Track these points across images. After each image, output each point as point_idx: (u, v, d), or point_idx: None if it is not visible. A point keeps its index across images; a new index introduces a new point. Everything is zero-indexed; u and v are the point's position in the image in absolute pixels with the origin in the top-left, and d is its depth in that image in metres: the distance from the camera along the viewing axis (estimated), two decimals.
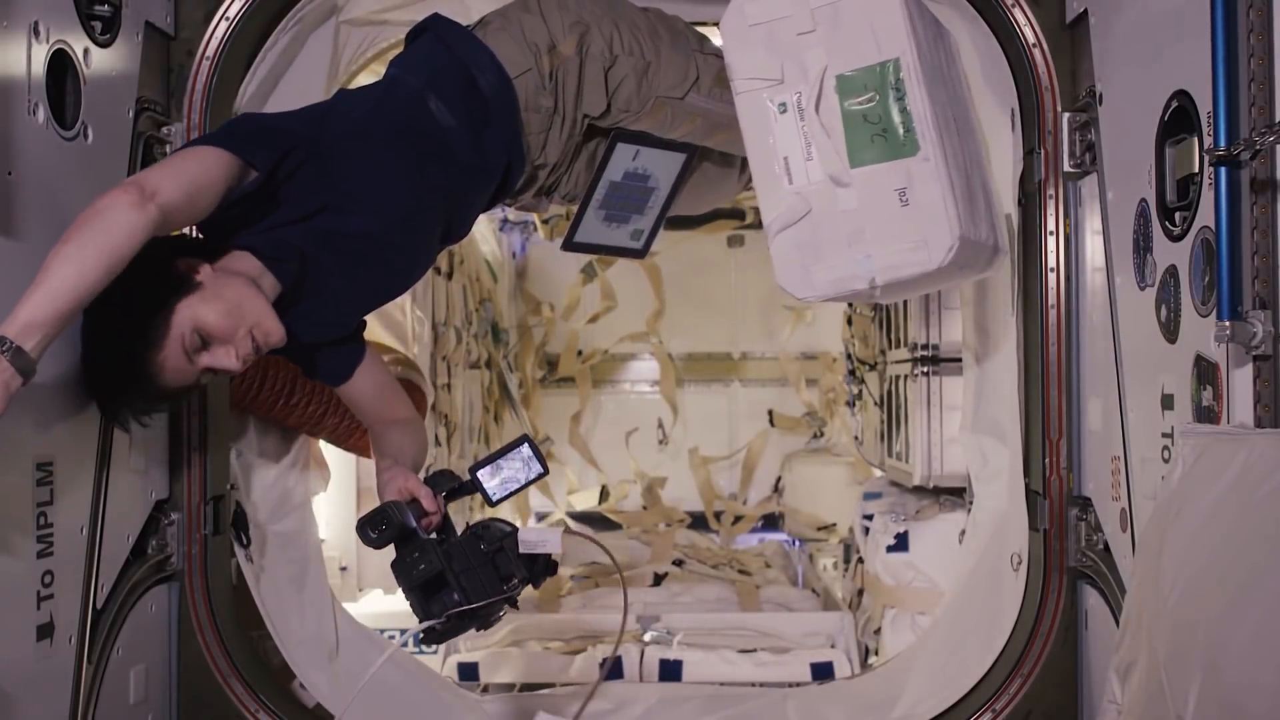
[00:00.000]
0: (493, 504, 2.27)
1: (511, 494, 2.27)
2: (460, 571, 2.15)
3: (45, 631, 2.12)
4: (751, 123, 2.38)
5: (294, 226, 2.17)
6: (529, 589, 2.26)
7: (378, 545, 2.16)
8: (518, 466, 2.25)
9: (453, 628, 2.17)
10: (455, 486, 2.29)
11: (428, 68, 2.36)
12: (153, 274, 2.02)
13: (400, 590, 2.19)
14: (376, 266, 2.31)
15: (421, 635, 2.18)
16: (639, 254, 3.00)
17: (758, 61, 2.36)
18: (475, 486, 2.26)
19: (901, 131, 2.28)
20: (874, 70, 2.29)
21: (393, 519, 2.15)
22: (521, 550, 2.18)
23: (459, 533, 2.24)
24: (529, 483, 2.28)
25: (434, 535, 2.23)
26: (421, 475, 2.33)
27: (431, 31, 2.43)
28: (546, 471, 2.30)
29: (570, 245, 2.89)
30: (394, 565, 2.16)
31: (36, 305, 1.79)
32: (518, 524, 2.32)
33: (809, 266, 2.33)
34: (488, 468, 2.25)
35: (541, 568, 2.22)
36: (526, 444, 2.26)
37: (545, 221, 5.81)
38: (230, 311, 2.06)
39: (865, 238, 2.29)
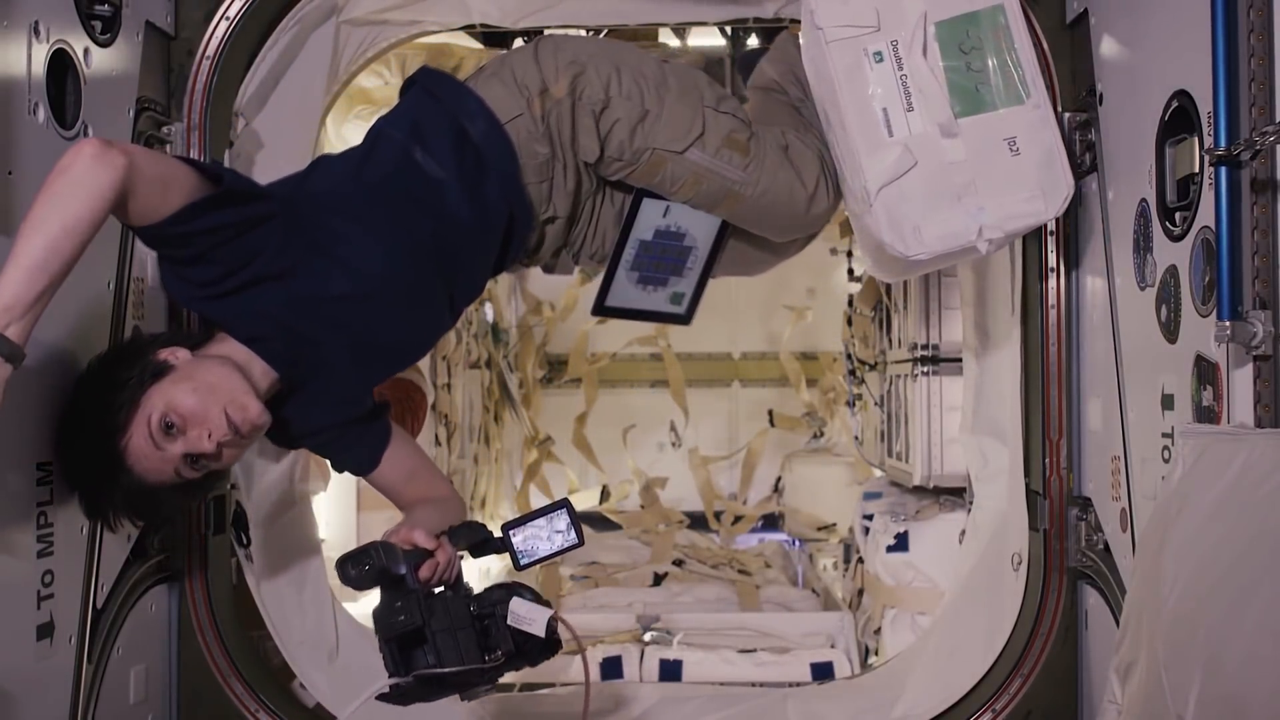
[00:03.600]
0: (519, 567, 2.12)
1: (540, 560, 2.13)
2: (438, 631, 1.97)
3: (45, 631, 2.12)
4: (845, 74, 2.29)
5: (269, 292, 2.06)
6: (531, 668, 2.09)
7: (356, 586, 2.01)
8: (552, 531, 2.12)
9: (420, 692, 1.99)
10: (481, 540, 2.14)
11: (410, 119, 2.27)
12: (128, 367, 2.01)
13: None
14: (369, 331, 2.20)
15: (386, 691, 1.98)
16: (683, 320, 2.71)
17: (850, 8, 2.28)
18: (504, 545, 2.11)
19: (1009, 79, 2.25)
20: (977, 17, 2.26)
21: (375, 560, 1.98)
22: (509, 621, 2.01)
23: (474, 593, 2.08)
24: (560, 552, 2.13)
25: (440, 589, 2.06)
26: None
27: (419, 84, 2.35)
28: (581, 542, 2.15)
29: (601, 310, 2.64)
30: (375, 612, 2.01)
31: (10, 287, 1.73)
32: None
33: (918, 223, 2.26)
34: (521, 527, 2.11)
35: (539, 646, 2.05)
36: (566, 509, 2.12)
37: None
38: (199, 389, 1.98)
39: (977, 190, 2.24)
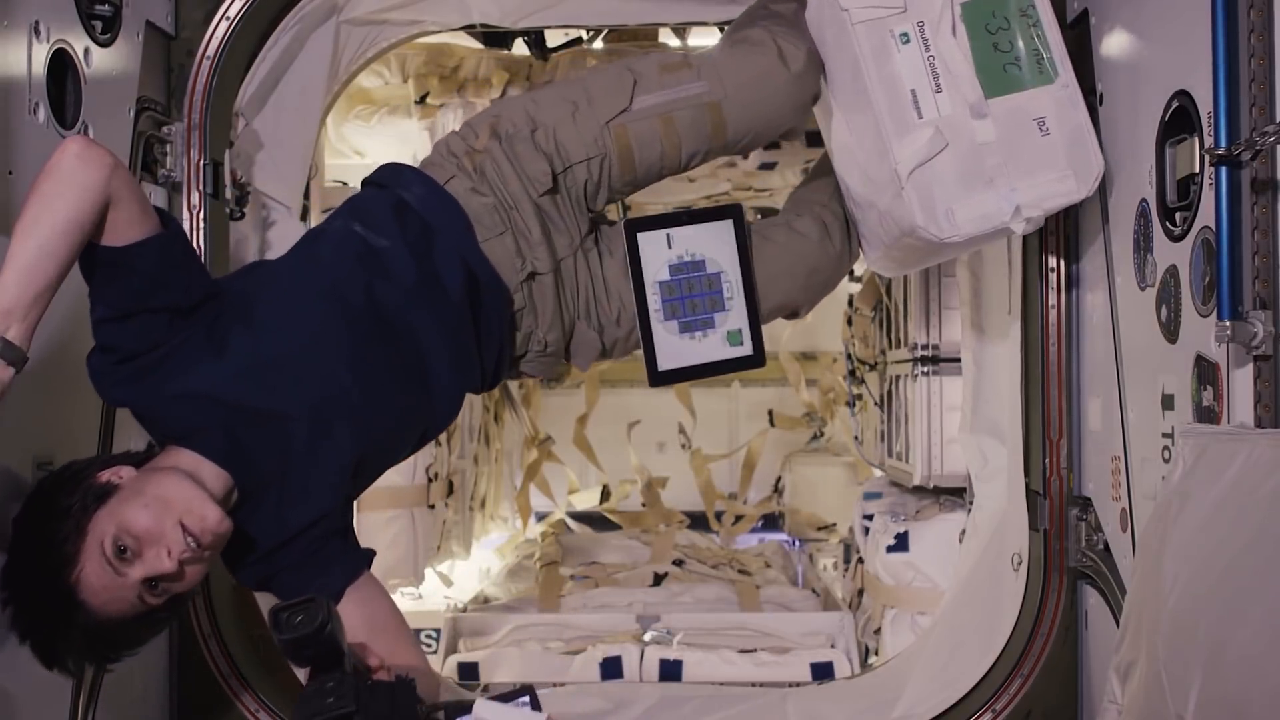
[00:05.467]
0: None
1: None
2: (374, 718, 1.65)
3: None
4: (871, 56, 2.29)
5: (203, 373, 1.95)
6: None
7: (289, 644, 1.67)
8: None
9: None
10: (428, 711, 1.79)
11: (349, 205, 2.25)
12: (68, 495, 1.84)
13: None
14: (321, 401, 2.03)
15: None
16: (755, 361, 2.41)
17: None
18: None
19: (1037, 59, 2.26)
20: None
21: (321, 616, 1.65)
22: None
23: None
24: None
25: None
26: None
27: (363, 183, 2.34)
28: None
29: (659, 379, 2.37)
30: (301, 697, 1.68)
31: (8, 291, 1.72)
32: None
33: (950, 205, 2.26)
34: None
35: None
36: (529, 696, 1.79)
37: None
38: (150, 504, 1.80)
39: (1008, 171, 2.25)
